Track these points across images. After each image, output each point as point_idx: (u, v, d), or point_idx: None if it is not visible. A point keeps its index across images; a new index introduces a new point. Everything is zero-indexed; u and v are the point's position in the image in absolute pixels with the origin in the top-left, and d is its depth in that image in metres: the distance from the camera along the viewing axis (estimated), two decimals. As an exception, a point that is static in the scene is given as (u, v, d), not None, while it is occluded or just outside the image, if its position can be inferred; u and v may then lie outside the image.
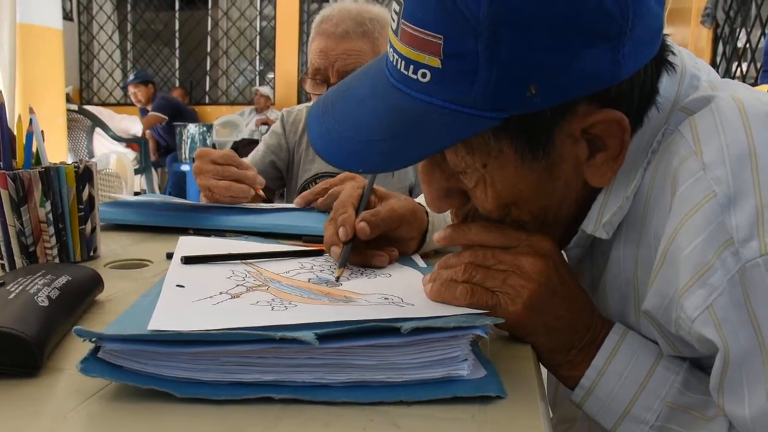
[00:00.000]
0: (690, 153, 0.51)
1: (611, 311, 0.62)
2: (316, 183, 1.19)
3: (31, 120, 0.77)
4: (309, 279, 0.66)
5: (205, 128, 4.98)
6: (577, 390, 0.58)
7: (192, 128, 4.92)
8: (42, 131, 0.79)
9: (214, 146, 4.94)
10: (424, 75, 0.51)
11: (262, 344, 0.43)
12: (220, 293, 0.57)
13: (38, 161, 0.78)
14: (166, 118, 5.73)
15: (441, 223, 0.84)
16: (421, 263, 0.77)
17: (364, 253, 0.73)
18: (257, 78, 7.73)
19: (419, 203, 0.83)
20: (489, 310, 0.54)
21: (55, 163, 0.77)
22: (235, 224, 0.97)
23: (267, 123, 6.33)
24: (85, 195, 0.78)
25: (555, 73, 0.48)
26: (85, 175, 0.78)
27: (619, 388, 0.56)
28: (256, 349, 0.43)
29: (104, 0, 7.79)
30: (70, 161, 0.80)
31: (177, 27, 7.88)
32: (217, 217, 1.00)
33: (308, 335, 0.42)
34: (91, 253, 0.80)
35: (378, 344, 0.44)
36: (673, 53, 0.57)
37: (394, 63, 0.53)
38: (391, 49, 0.54)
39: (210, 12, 7.73)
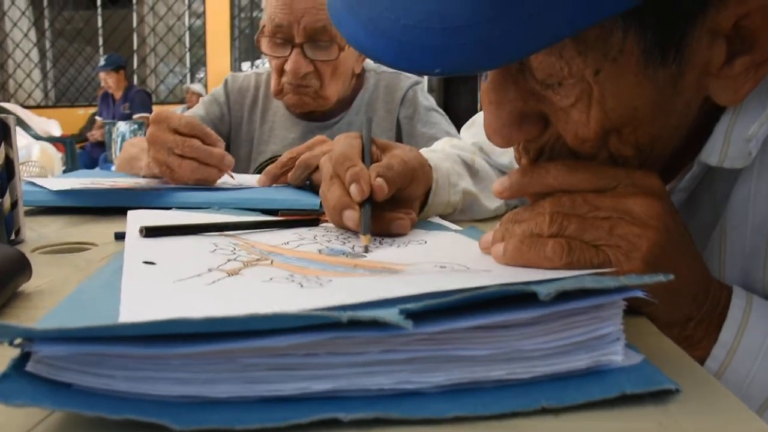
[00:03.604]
0: None
1: (727, 272, 0.48)
2: None
3: None
4: (319, 251, 0.49)
5: (136, 126, 4.64)
6: None
7: (122, 126, 4.59)
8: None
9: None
10: None
11: (315, 334, 0.26)
12: (210, 270, 0.39)
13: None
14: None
15: (445, 181, 0.69)
16: (453, 225, 0.61)
17: (379, 217, 0.57)
18: (188, 76, 7.37)
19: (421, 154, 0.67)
20: (595, 270, 0.39)
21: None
22: (196, 201, 0.78)
23: (201, 121, 6.08)
24: (-1, 159, 0.58)
25: None
26: (-2, 132, 0.58)
27: (758, 368, 0.42)
28: (302, 342, 0.26)
29: (17, -5, 7.26)
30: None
31: (100, 24, 7.42)
32: (174, 194, 0.81)
33: (393, 315, 0.25)
34: (13, 237, 0.60)
35: (497, 323, 0.28)
36: None
37: None
38: None
39: (135, 8, 7.30)
